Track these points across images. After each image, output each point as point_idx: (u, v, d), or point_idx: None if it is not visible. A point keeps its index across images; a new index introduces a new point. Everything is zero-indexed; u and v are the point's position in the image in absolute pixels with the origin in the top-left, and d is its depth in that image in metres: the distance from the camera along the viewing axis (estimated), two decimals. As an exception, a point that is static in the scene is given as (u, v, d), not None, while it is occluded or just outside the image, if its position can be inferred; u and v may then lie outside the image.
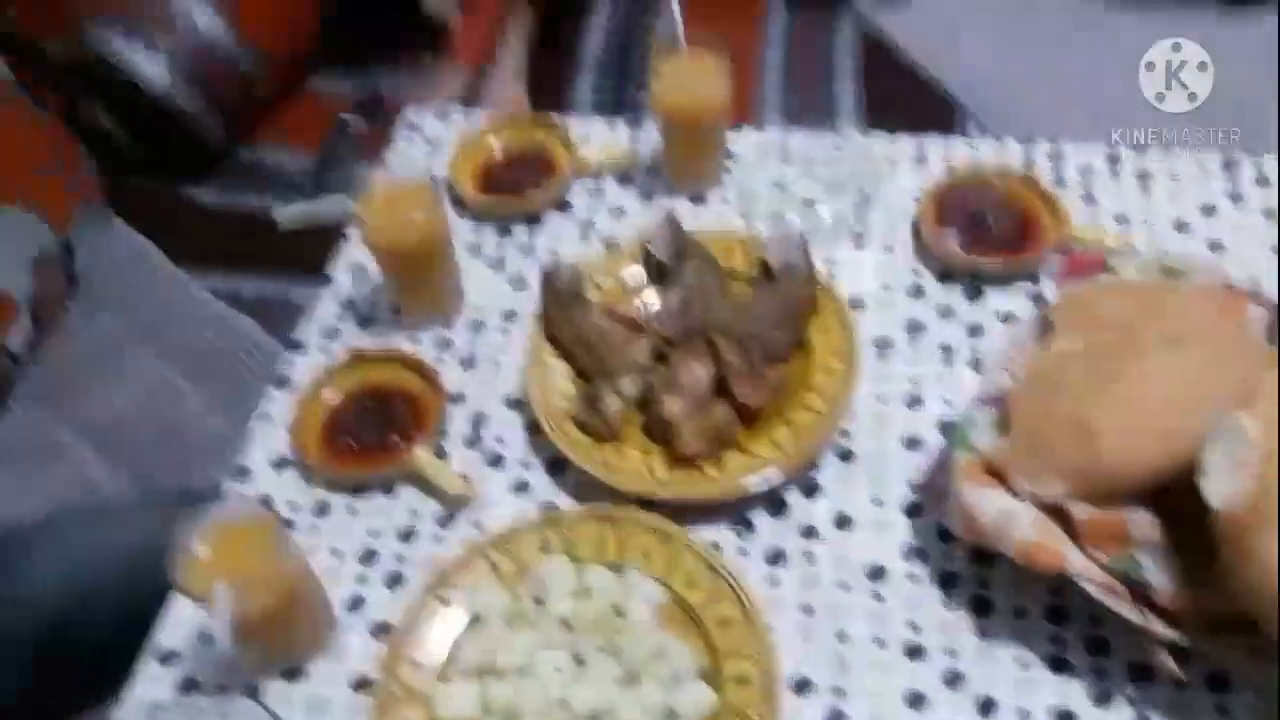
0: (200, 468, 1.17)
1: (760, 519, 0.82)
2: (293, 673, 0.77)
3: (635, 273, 0.94)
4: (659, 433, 0.83)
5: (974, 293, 0.94)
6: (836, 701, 0.72)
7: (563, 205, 1.06)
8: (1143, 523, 0.68)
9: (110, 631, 0.99)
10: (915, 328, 0.92)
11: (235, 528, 0.70)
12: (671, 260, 0.92)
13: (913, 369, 0.90)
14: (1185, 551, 0.67)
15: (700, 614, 0.74)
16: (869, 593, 0.77)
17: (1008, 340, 0.81)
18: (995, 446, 0.73)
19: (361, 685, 0.75)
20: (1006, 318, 0.92)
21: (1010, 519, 0.69)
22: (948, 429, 0.85)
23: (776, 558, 0.80)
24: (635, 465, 0.82)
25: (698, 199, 1.05)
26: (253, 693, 0.75)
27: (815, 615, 0.77)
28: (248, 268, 1.47)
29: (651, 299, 0.93)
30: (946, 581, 0.77)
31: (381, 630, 0.78)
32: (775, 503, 0.83)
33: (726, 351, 0.83)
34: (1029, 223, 0.96)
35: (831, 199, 1.01)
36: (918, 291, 0.95)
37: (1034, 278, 0.94)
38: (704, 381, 0.83)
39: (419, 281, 0.94)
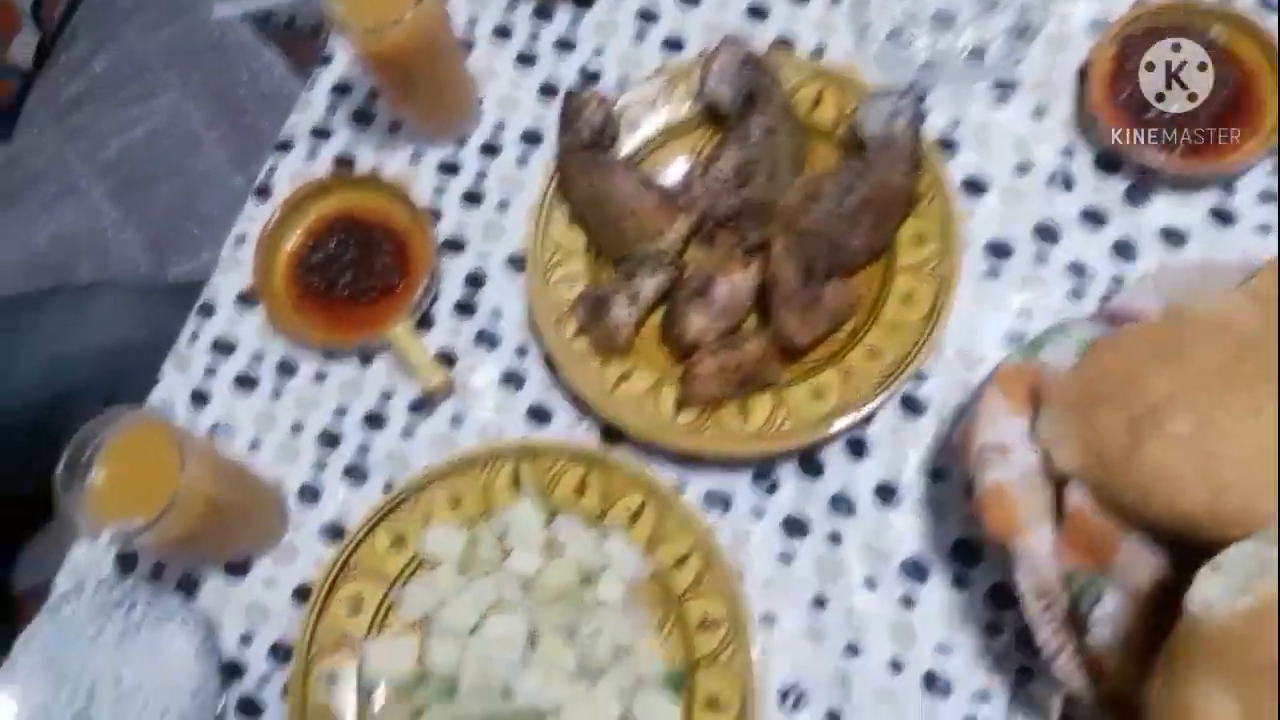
0: (204, 232, 1.06)
1: (786, 475, 0.67)
2: (237, 567, 0.69)
3: (687, 109, 0.72)
4: (675, 346, 0.66)
5: (1139, 194, 0.69)
6: (827, 729, 0.61)
7: (620, -20, 0.81)
8: (1136, 557, 0.53)
9: None
10: (1046, 234, 0.69)
11: (135, 450, 0.58)
12: (734, 106, 0.69)
13: (1027, 295, 0.68)
14: (1153, 619, 0.51)
15: (683, 605, 0.61)
16: (899, 597, 0.63)
17: (1180, 275, 0.61)
18: (1059, 369, 0.58)
19: (305, 594, 0.68)
20: (1173, 238, 0.68)
21: (1000, 455, 0.56)
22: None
23: (796, 529, 0.65)
24: (640, 392, 0.66)
25: (798, -3, 0.78)
26: (190, 587, 0.69)
27: (826, 613, 0.63)
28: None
29: (701, 148, 0.71)
30: (998, 597, 0.62)
31: (332, 534, 0.69)
32: (808, 457, 0.67)
33: (780, 261, 0.64)
34: (1243, 91, 0.68)
35: (979, 19, 0.74)
36: (1064, 181, 0.70)
37: (1229, 184, 0.69)
38: (742, 297, 0.65)
39: (416, 93, 0.74)
